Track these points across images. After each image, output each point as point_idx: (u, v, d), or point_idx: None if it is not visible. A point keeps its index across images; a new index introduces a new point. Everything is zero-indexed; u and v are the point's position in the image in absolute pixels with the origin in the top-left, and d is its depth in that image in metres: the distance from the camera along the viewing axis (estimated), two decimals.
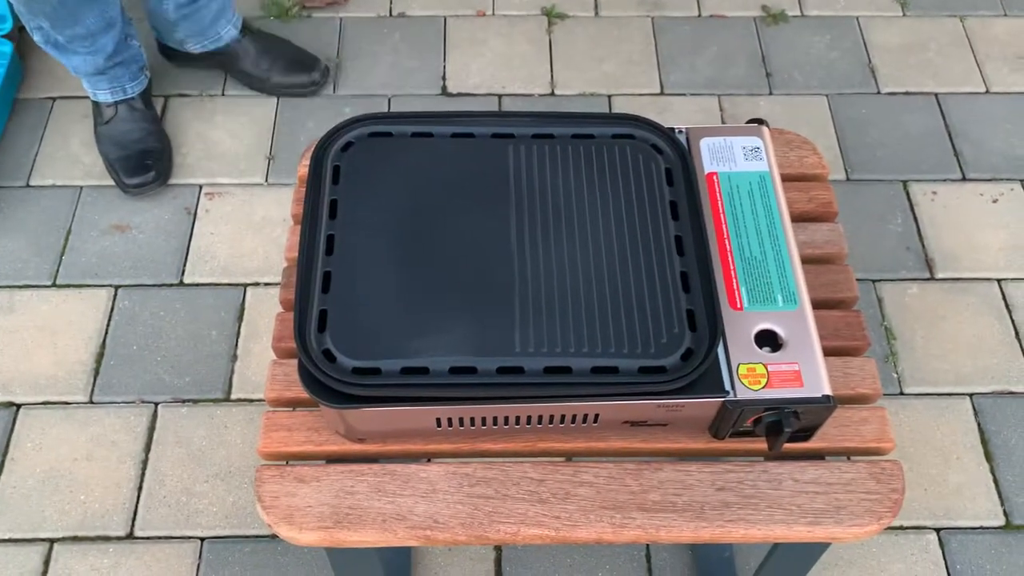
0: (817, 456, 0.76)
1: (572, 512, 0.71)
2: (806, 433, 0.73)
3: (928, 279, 1.40)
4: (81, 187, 1.48)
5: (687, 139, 0.83)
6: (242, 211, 1.45)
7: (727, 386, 0.69)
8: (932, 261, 1.41)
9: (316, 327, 0.69)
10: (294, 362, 0.77)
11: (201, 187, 1.48)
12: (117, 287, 1.37)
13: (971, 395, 1.29)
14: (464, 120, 0.81)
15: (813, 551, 0.81)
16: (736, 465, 0.74)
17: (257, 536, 1.16)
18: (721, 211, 0.79)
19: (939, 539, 1.17)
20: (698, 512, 0.72)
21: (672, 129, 0.82)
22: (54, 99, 1.59)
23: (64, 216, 1.44)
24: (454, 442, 0.74)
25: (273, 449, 0.75)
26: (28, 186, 1.48)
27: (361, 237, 0.73)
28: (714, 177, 0.81)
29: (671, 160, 0.79)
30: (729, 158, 0.82)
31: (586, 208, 0.75)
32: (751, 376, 0.70)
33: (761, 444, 0.74)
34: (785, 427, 0.69)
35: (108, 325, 1.34)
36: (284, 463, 0.74)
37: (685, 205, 0.76)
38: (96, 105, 1.48)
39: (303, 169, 0.89)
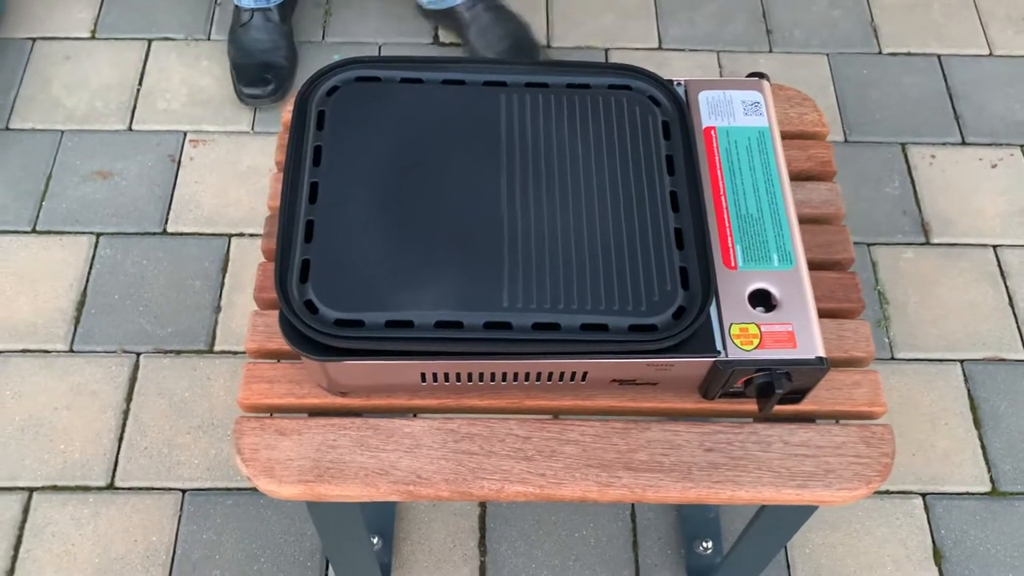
0: (807, 419, 0.75)
1: (557, 470, 0.70)
2: (797, 395, 0.72)
3: (923, 244, 1.38)
4: (62, 131, 1.44)
5: (685, 92, 0.80)
6: (227, 160, 1.42)
7: (718, 346, 0.68)
8: (928, 226, 1.40)
9: (298, 277, 0.67)
10: (275, 313, 0.76)
11: (186, 134, 1.44)
12: (99, 235, 1.34)
13: (962, 361, 1.28)
14: (455, 66, 0.78)
15: (800, 514, 0.80)
16: (725, 426, 0.73)
17: (240, 489, 1.16)
18: (718, 167, 0.77)
19: (925, 504, 1.17)
20: (685, 473, 0.70)
21: (670, 81, 0.80)
22: (34, 40, 1.54)
23: (44, 161, 1.41)
24: (439, 397, 0.73)
25: (254, 401, 0.73)
26: (7, 129, 1.44)
27: (346, 185, 0.70)
28: (712, 132, 0.79)
29: (668, 113, 0.77)
30: (728, 112, 0.80)
31: (579, 160, 0.73)
32: (743, 336, 0.69)
33: (751, 406, 0.73)
34: (776, 389, 0.68)
35: (89, 273, 1.31)
36: (268, 415, 0.72)
37: (681, 160, 0.74)
38: (236, 8, 1.48)
39: (288, 115, 0.86)
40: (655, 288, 0.67)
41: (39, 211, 1.36)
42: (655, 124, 0.75)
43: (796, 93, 0.92)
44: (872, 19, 1.62)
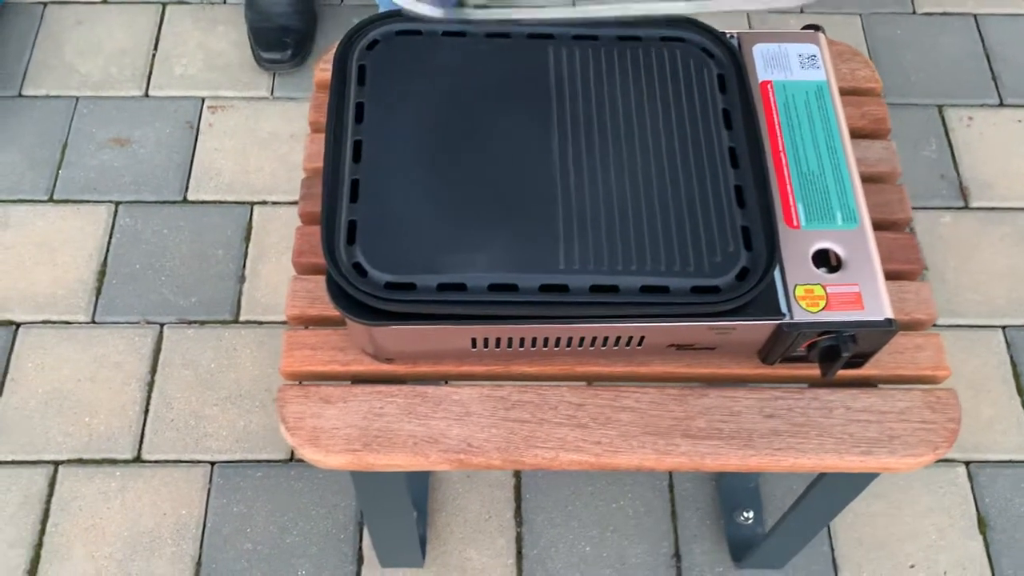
0: (868, 384, 0.72)
1: (613, 438, 0.68)
2: (860, 359, 0.70)
3: (962, 208, 1.35)
4: (77, 98, 1.41)
5: (738, 45, 0.77)
6: (247, 126, 1.39)
7: (783, 308, 0.65)
8: (966, 189, 1.37)
9: (345, 239, 0.64)
10: (315, 278, 0.74)
11: (203, 100, 1.41)
12: (118, 203, 1.32)
13: (1004, 327, 1.25)
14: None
15: (859, 482, 0.78)
16: (785, 392, 0.71)
17: (270, 461, 1.14)
18: (776, 122, 0.74)
19: (968, 472, 1.15)
20: (746, 440, 0.68)
21: (723, 34, 0.76)
22: (45, 3, 1.50)
23: (60, 128, 1.38)
24: (487, 364, 0.70)
25: (296, 368, 0.71)
26: (20, 96, 1.41)
27: (390, 143, 0.67)
28: (768, 86, 0.76)
29: (724, 66, 0.74)
30: (784, 66, 0.77)
31: (633, 115, 0.70)
32: (808, 298, 0.66)
33: (808, 370, 0.71)
34: (843, 352, 0.66)
35: (109, 243, 1.28)
36: (300, 383, 0.70)
37: (739, 114, 0.71)
38: None
39: (321, 73, 0.84)
40: (717, 248, 0.65)
41: (56, 180, 1.33)
42: (710, 77, 0.72)
43: (847, 48, 0.89)
44: None
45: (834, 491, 0.80)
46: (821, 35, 0.79)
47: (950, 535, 1.11)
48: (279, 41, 1.41)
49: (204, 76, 1.43)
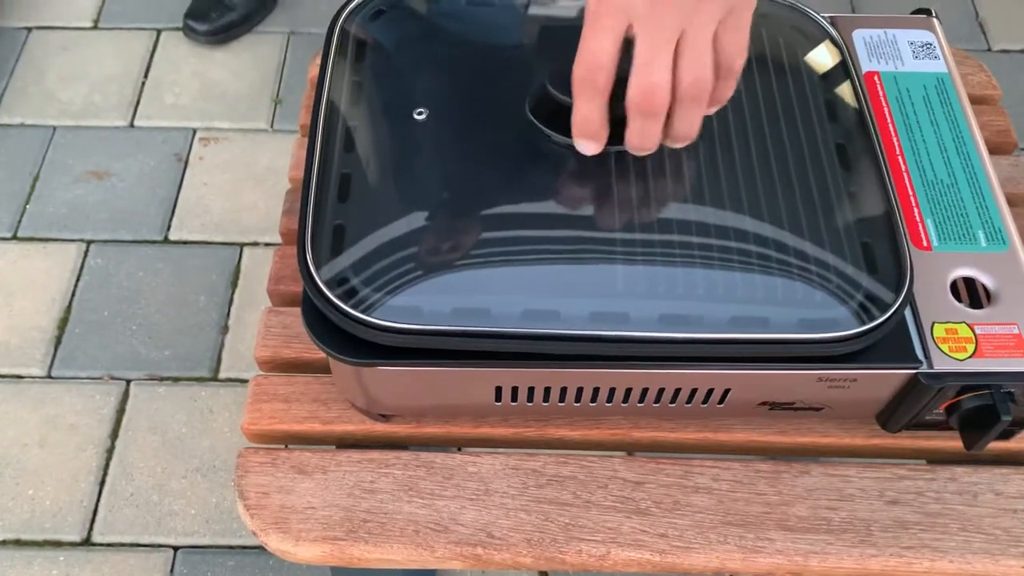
0: (1017, 461, 0.57)
1: (684, 529, 0.53)
2: (1014, 427, 0.54)
3: None
4: (54, 127, 1.32)
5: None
6: (242, 160, 1.29)
7: (919, 353, 0.50)
8: None
9: (329, 249, 0.49)
10: (295, 311, 0.60)
11: (195, 131, 1.32)
12: (89, 242, 1.21)
13: None
14: None
15: None
16: (911, 470, 0.56)
17: (244, 547, 1.00)
18: (889, 121, 0.60)
19: None
20: (863, 534, 0.53)
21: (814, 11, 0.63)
22: (30, 29, 1.44)
23: (32, 159, 1.29)
24: (515, 425, 0.57)
25: (264, 427, 0.57)
26: None
27: (394, 128, 0.53)
28: (876, 78, 0.62)
29: (820, 49, 0.60)
30: (893, 55, 0.64)
31: None
32: (952, 340, 0.52)
33: (931, 442, 0.56)
34: (1001, 415, 0.50)
35: (76, 286, 1.18)
36: (283, 446, 0.57)
37: (844, 104, 0.57)
38: None
39: (315, 68, 0.71)
40: (830, 272, 0.50)
41: (22, 215, 1.24)
42: (805, 59, 0.59)
43: (957, 50, 0.75)
44: (978, 13, 1.51)
45: None
46: (935, 20, 0.66)
47: None
48: (205, 12, 1.37)
49: (198, 106, 1.35)
